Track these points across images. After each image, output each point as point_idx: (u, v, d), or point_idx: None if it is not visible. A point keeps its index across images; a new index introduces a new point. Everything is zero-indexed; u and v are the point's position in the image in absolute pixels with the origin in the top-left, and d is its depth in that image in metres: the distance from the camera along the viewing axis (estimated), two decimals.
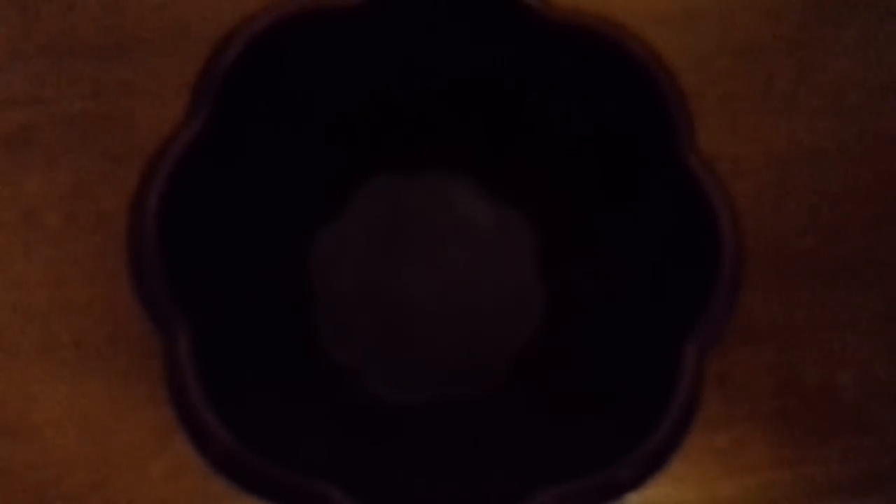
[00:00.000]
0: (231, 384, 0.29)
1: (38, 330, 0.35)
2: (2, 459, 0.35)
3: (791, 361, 0.37)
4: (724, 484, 0.36)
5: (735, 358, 0.36)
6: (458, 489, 0.30)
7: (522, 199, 0.36)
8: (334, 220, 0.35)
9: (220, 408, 0.28)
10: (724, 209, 0.29)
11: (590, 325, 0.34)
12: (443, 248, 0.36)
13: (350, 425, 0.33)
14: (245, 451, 0.27)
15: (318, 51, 0.31)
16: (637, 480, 0.28)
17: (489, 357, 0.35)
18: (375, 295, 0.35)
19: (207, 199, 0.30)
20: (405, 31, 0.31)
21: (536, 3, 0.30)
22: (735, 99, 0.38)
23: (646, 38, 0.30)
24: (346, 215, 0.35)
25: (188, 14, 0.37)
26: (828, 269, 0.37)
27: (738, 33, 0.38)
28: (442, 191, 0.36)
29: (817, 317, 0.37)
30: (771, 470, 0.36)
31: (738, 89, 0.38)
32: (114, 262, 0.36)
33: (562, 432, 0.32)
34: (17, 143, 0.36)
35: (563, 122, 0.33)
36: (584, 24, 0.30)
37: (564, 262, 0.35)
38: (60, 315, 0.36)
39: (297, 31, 0.30)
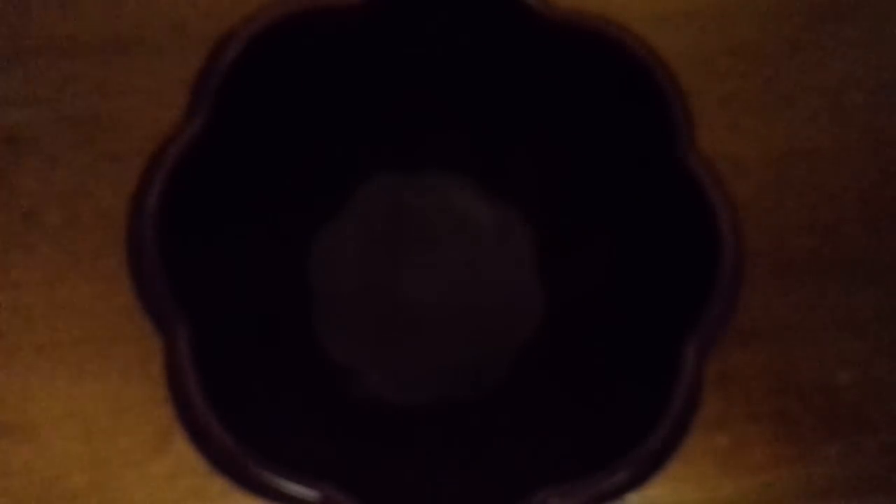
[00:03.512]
0: (231, 384, 0.29)
1: (38, 329, 0.35)
2: (2, 459, 0.35)
3: (791, 361, 0.37)
4: (724, 484, 0.36)
5: (735, 358, 0.36)
6: (458, 489, 0.31)
7: (522, 198, 0.36)
8: (334, 220, 0.35)
9: (220, 408, 0.28)
10: (723, 209, 0.29)
11: (589, 325, 0.34)
12: (442, 248, 0.36)
13: (350, 425, 0.33)
14: (245, 451, 0.27)
15: (318, 50, 0.31)
16: (637, 480, 0.28)
17: (489, 357, 0.35)
18: (375, 294, 0.35)
19: (207, 199, 0.30)
20: (405, 31, 0.31)
21: (536, 3, 0.30)
22: (735, 98, 0.38)
23: (646, 37, 0.30)
24: (346, 215, 0.36)
25: (187, 14, 0.37)
26: (827, 268, 0.37)
27: (738, 33, 0.38)
28: (441, 190, 0.36)
29: (817, 316, 0.37)
30: (770, 470, 0.36)
31: (738, 89, 0.38)
32: (113, 262, 0.35)
33: (561, 432, 0.32)
34: (16, 142, 0.36)
35: (563, 121, 0.33)
36: (585, 23, 0.30)
37: (564, 262, 0.35)
38: (60, 315, 0.36)
39: (297, 30, 0.30)
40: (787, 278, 0.37)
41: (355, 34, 0.31)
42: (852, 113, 0.38)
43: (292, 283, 0.35)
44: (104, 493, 0.35)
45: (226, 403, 0.28)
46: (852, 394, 0.37)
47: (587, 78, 0.31)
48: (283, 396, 0.32)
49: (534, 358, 0.35)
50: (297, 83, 0.31)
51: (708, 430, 0.36)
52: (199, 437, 0.28)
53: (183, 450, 0.35)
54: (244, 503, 0.34)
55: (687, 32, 0.38)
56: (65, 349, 0.35)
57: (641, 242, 0.33)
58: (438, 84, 0.33)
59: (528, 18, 0.30)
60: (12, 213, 0.36)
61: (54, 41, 0.37)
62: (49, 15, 0.37)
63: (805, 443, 0.36)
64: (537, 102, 0.33)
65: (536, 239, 0.36)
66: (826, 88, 0.38)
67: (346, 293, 0.35)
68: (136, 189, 0.28)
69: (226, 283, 0.31)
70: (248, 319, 0.32)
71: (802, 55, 0.38)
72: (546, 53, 0.31)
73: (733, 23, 0.38)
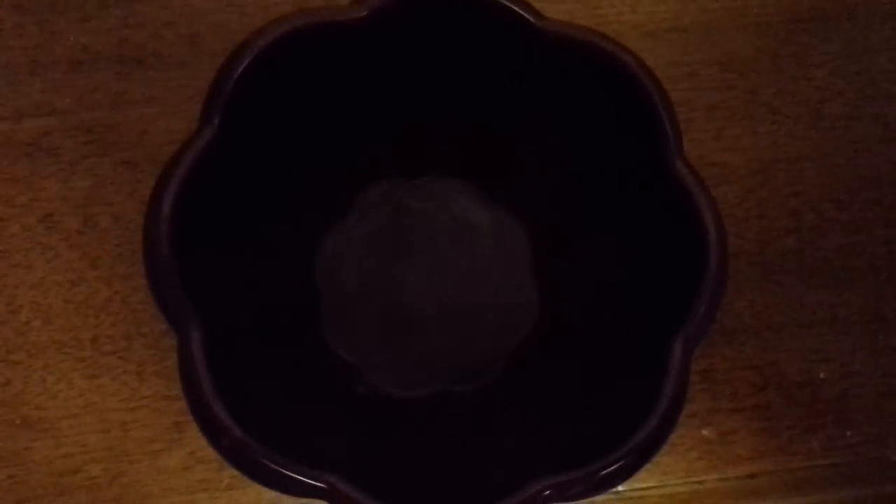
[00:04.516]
0: (241, 380, 0.29)
1: (58, 328, 0.36)
2: (23, 451, 0.35)
3: (773, 357, 0.37)
4: (710, 475, 0.36)
5: (720, 355, 0.37)
6: (456, 480, 0.31)
7: (518, 202, 0.36)
8: (339, 223, 0.36)
9: (231, 402, 0.28)
10: (709, 213, 0.29)
11: (582, 323, 0.34)
12: (443, 250, 0.36)
13: (353, 418, 0.33)
14: (254, 443, 0.28)
15: (323, 62, 0.31)
16: (626, 472, 0.29)
17: (487, 354, 0.35)
18: (378, 294, 0.35)
19: (219, 204, 0.30)
20: (406, 44, 0.31)
21: (533, 17, 0.30)
22: (721, 108, 0.38)
23: (636, 50, 0.30)
24: (351, 218, 0.36)
25: (199, 28, 0.37)
26: (808, 269, 0.37)
27: (724, 46, 0.38)
28: (442, 195, 0.36)
29: (798, 315, 0.37)
30: (754, 462, 0.36)
31: (723, 99, 0.38)
32: (130, 264, 0.36)
33: (556, 426, 0.32)
34: (36, 150, 0.37)
35: (558, 129, 0.33)
36: (578, 37, 0.30)
37: (558, 264, 0.35)
38: (78, 314, 0.36)
39: (303, 43, 0.30)
40: (771, 279, 0.37)
41: (359, 47, 0.31)
42: (832, 122, 0.38)
43: (300, 283, 0.35)
44: (120, 483, 0.35)
45: (236, 398, 0.28)
46: (832, 389, 0.37)
47: (581, 88, 0.31)
48: (291, 392, 0.32)
49: (529, 355, 0.35)
50: (304, 93, 0.32)
51: (694, 424, 0.36)
52: (211, 431, 0.28)
53: (195, 442, 0.35)
54: (253, 493, 0.35)
55: (675, 46, 0.38)
56: (83, 347, 0.36)
57: (632, 245, 0.33)
58: (438, 94, 0.33)
59: (525, 32, 0.30)
60: (33, 217, 0.36)
61: (72, 54, 0.37)
62: (67, 29, 0.37)
63: (787, 436, 0.37)
64: (533, 112, 0.33)
65: (532, 241, 0.36)
66: (807, 99, 0.38)
67: (351, 293, 0.35)
68: (152, 195, 0.29)
69: (236, 284, 0.32)
70: (257, 318, 0.32)
71: (785, 67, 0.38)
72: (542, 65, 0.31)
73: (719, 37, 0.38)
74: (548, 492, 0.28)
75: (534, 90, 0.33)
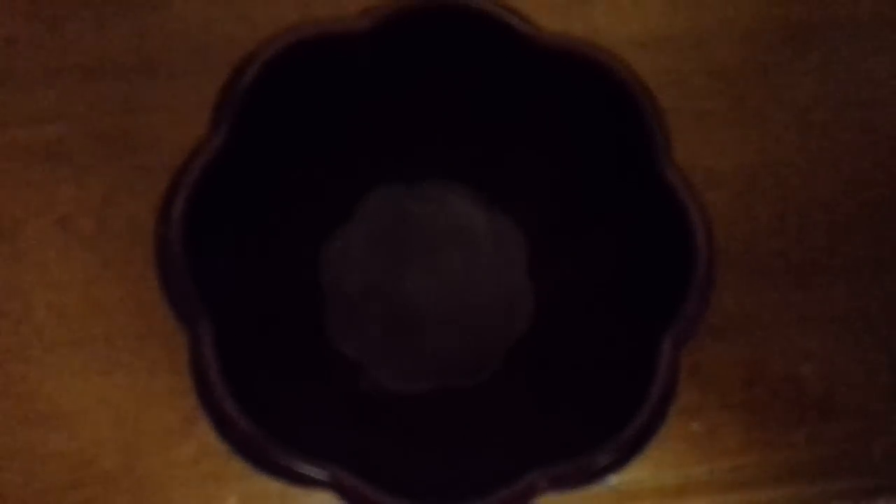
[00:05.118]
0: (249, 375, 0.30)
1: (72, 326, 0.36)
2: (38, 445, 0.36)
3: (760, 354, 0.37)
4: (698, 468, 0.37)
5: (708, 351, 0.37)
6: (454, 471, 0.31)
7: (515, 206, 0.36)
8: (343, 226, 0.36)
9: (240, 397, 0.28)
10: (698, 215, 0.30)
11: (575, 321, 0.35)
12: (442, 252, 0.36)
13: (356, 412, 0.34)
14: (262, 436, 0.28)
15: (328, 71, 0.31)
16: (618, 464, 0.29)
17: (485, 351, 0.36)
18: (380, 294, 0.36)
19: (227, 207, 0.31)
20: (406, 54, 0.32)
21: (528, 29, 0.30)
22: (709, 115, 0.39)
23: (627, 60, 0.30)
24: (354, 221, 0.36)
25: (208, 39, 0.38)
26: (794, 269, 0.38)
27: (712, 55, 0.39)
28: (441, 199, 0.37)
29: (784, 313, 0.38)
30: (741, 455, 0.37)
31: (711, 106, 0.39)
32: (142, 265, 0.36)
33: (550, 419, 0.32)
34: (51, 155, 0.37)
35: (552, 136, 0.34)
36: (572, 47, 0.31)
37: (553, 265, 0.36)
38: (93, 313, 0.36)
39: (309, 53, 0.30)
40: (757, 278, 0.38)
41: (363, 57, 0.31)
42: (817, 129, 0.39)
43: (305, 283, 0.35)
44: (133, 475, 0.36)
45: (245, 393, 0.29)
46: (817, 384, 0.37)
47: (575, 96, 0.32)
48: (297, 387, 0.32)
49: (525, 351, 0.35)
50: (309, 101, 0.32)
51: (684, 418, 0.37)
52: (221, 424, 0.28)
53: (205, 435, 0.35)
54: (261, 483, 0.36)
55: (666, 55, 0.39)
56: (97, 344, 0.36)
57: (624, 247, 0.33)
58: (438, 102, 0.34)
59: (521, 43, 0.31)
60: (49, 219, 0.37)
61: (86, 63, 0.37)
62: (81, 38, 0.38)
63: (773, 429, 0.37)
64: (529, 119, 0.34)
65: (529, 243, 0.36)
66: (793, 106, 0.39)
67: (354, 293, 0.36)
68: (164, 198, 0.29)
69: (245, 284, 0.32)
70: (264, 317, 0.33)
71: (772, 76, 0.39)
72: (537, 74, 0.32)
73: (708, 47, 0.39)
74: (543, 483, 0.29)
75: (530, 98, 0.33)
